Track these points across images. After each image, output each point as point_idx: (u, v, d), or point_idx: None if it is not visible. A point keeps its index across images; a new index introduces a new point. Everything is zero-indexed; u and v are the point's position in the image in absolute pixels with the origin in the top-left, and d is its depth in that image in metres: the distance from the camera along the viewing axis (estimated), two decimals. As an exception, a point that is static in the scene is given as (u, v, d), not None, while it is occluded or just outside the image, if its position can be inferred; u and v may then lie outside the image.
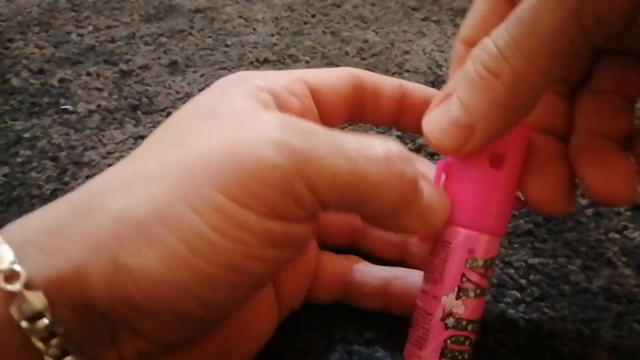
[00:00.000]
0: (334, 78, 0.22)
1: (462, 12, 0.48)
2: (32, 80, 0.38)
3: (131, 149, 0.33)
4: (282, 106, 0.19)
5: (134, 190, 0.16)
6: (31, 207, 0.29)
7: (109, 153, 0.32)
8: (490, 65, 0.17)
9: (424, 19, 0.48)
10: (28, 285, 0.14)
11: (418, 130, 0.23)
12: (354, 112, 0.23)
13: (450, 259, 0.20)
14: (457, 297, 0.19)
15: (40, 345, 0.15)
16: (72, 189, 0.30)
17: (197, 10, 0.47)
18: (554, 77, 0.17)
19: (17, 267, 0.14)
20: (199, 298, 0.16)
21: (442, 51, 0.44)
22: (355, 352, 0.23)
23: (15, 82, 0.38)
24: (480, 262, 0.19)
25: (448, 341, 0.20)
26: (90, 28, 0.44)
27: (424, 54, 0.43)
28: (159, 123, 0.32)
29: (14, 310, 0.14)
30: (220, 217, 0.15)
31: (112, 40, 0.42)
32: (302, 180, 0.16)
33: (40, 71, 0.39)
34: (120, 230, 0.15)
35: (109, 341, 0.16)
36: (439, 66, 0.42)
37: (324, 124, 0.22)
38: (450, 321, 0.19)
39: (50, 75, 0.38)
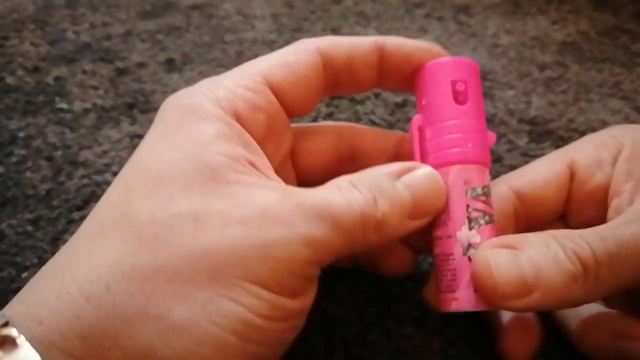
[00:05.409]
0: (300, 67, 0.21)
1: (464, 9, 0.48)
2: (27, 79, 0.37)
3: (127, 148, 0.32)
4: (247, 125, 0.19)
5: (166, 292, 0.16)
6: (26, 207, 0.28)
7: (104, 152, 0.32)
8: (585, 258, 0.18)
9: (426, 16, 0.47)
10: None
11: (401, 88, 0.23)
12: (328, 90, 0.23)
13: (451, 195, 0.21)
14: (470, 228, 0.20)
15: None
16: (68, 189, 0.30)
17: (195, 7, 0.47)
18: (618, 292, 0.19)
19: None
20: None
21: (445, 48, 0.43)
22: (355, 356, 0.22)
23: (10, 80, 0.37)
24: (479, 190, 0.21)
25: None
26: (86, 25, 0.43)
27: (425, 50, 0.42)
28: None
29: None
30: (262, 304, 0.17)
31: (108, 38, 0.42)
32: (317, 264, 0.18)
33: (36, 69, 0.38)
34: (166, 336, 0.16)
35: None
36: (440, 63, 0.41)
37: (292, 116, 0.22)
38: (472, 252, 0.20)
39: (46, 73, 0.38)
